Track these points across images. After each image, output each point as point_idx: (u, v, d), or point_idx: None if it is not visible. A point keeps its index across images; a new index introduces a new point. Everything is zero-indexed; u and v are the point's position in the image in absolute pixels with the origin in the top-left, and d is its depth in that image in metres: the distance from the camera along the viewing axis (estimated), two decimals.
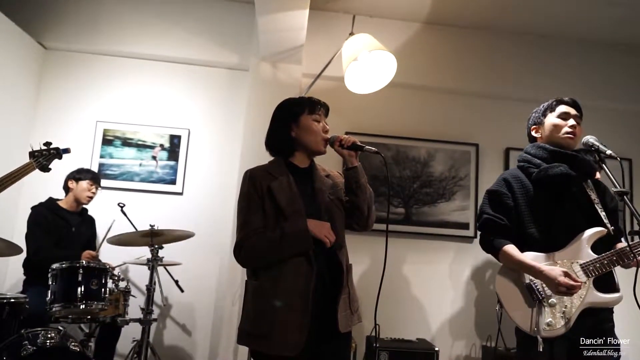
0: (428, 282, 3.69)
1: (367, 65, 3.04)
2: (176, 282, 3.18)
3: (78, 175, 3.16)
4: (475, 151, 3.87)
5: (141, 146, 3.70)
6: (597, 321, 1.83)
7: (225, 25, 3.83)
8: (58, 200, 3.16)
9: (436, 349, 3.13)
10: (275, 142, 1.80)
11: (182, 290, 3.20)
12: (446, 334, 3.65)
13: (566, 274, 1.75)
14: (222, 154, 3.78)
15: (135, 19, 3.80)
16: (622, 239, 1.90)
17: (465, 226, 3.76)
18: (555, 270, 1.76)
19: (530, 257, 1.86)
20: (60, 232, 3.04)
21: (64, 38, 3.73)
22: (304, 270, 1.60)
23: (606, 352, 1.81)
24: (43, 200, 3.15)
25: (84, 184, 3.14)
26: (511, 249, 1.87)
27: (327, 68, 3.27)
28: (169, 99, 3.82)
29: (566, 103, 1.99)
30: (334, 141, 1.76)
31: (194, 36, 3.80)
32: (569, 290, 1.72)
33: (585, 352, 1.78)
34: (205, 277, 3.61)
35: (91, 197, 3.18)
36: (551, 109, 1.99)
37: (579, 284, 1.74)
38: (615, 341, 1.83)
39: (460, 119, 3.95)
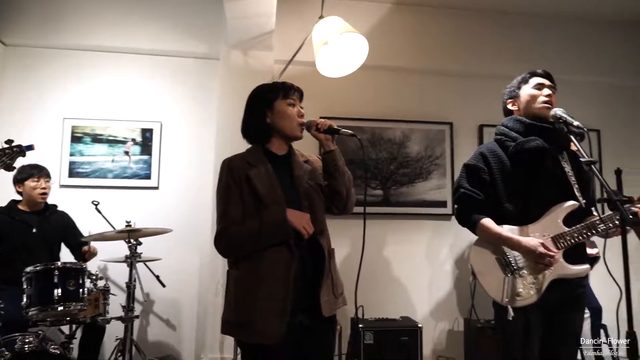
0: (409, 261, 3.73)
1: (338, 49, 2.98)
2: (157, 277, 3.13)
3: (20, 176, 2.93)
4: (450, 130, 3.90)
5: (112, 142, 3.59)
6: (570, 287, 1.86)
7: (192, 13, 3.72)
8: (19, 202, 2.99)
9: (419, 325, 3.18)
10: (250, 129, 1.77)
11: (163, 285, 3.14)
12: (429, 311, 3.71)
13: (543, 245, 1.78)
14: (197, 145, 3.71)
15: (98, 11, 3.65)
16: (595, 211, 1.93)
17: (442, 204, 3.80)
18: (533, 241, 1.79)
19: (506, 230, 1.88)
20: (20, 236, 2.89)
21: (24, 34, 3.57)
22: (284, 258, 1.60)
23: (576, 316, 1.88)
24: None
25: (30, 183, 2.93)
26: (488, 222, 1.88)
27: (299, 53, 3.24)
28: (139, 92, 3.70)
29: (539, 75, 2.00)
30: (310, 125, 1.74)
31: (161, 26, 3.68)
32: (548, 260, 1.75)
33: (557, 319, 1.83)
34: (186, 270, 3.55)
35: (45, 193, 2.97)
36: (525, 81, 2.00)
37: (555, 253, 1.78)
38: (581, 315, 1.90)
39: (434, 99, 3.96)
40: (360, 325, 3.12)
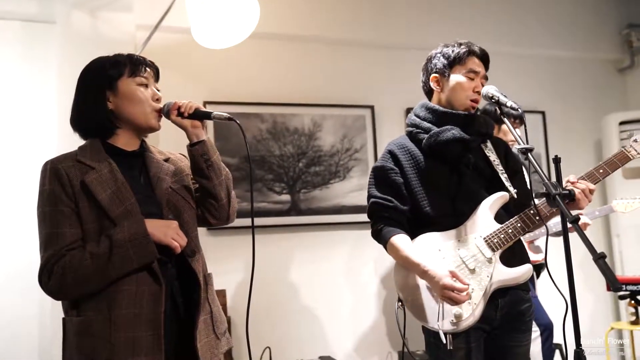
0: (326, 285, 3.68)
1: (219, 11, 2.83)
2: None
3: None
4: (371, 115, 3.87)
5: None
6: (513, 302, 1.91)
7: None
8: None
9: None
10: (85, 118, 1.65)
11: None
12: (355, 346, 3.68)
13: (453, 275, 1.79)
14: (26, 143, 3.26)
15: None
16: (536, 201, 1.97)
17: (365, 210, 3.78)
18: (441, 270, 1.80)
19: (423, 242, 1.92)
20: None
21: None
22: (149, 291, 1.49)
23: (522, 339, 1.96)
24: None
25: None
26: (399, 240, 1.90)
27: (169, 15, 2.98)
28: None
29: (478, 56, 2.03)
30: (169, 110, 1.65)
31: None
32: (455, 295, 1.76)
33: (501, 341, 1.91)
34: (19, 320, 3.15)
35: None
36: (461, 60, 2.02)
37: (466, 287, 1.78)
38: (527, 329, 1.96)
39: (351, 77, 3.90)
40: None
